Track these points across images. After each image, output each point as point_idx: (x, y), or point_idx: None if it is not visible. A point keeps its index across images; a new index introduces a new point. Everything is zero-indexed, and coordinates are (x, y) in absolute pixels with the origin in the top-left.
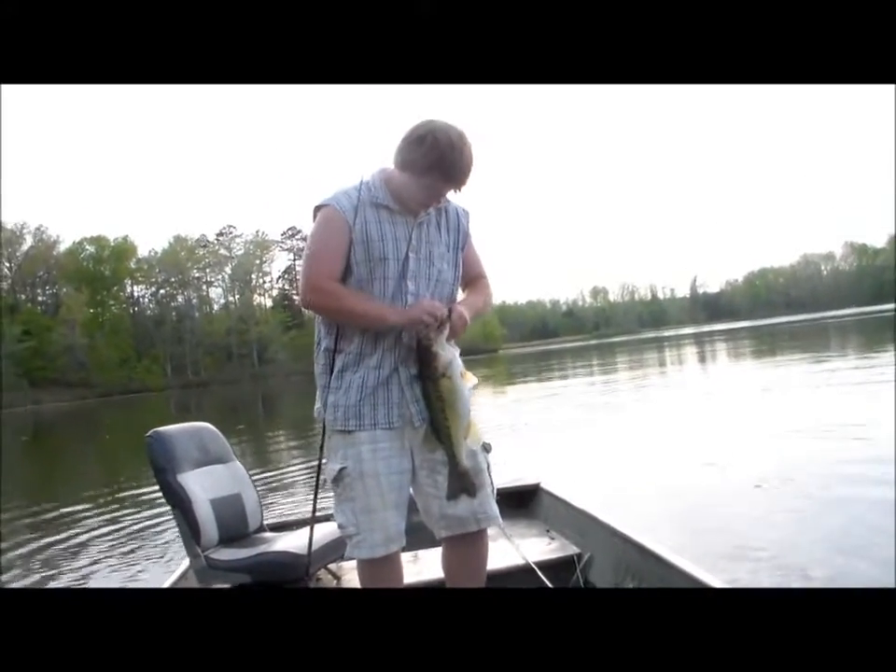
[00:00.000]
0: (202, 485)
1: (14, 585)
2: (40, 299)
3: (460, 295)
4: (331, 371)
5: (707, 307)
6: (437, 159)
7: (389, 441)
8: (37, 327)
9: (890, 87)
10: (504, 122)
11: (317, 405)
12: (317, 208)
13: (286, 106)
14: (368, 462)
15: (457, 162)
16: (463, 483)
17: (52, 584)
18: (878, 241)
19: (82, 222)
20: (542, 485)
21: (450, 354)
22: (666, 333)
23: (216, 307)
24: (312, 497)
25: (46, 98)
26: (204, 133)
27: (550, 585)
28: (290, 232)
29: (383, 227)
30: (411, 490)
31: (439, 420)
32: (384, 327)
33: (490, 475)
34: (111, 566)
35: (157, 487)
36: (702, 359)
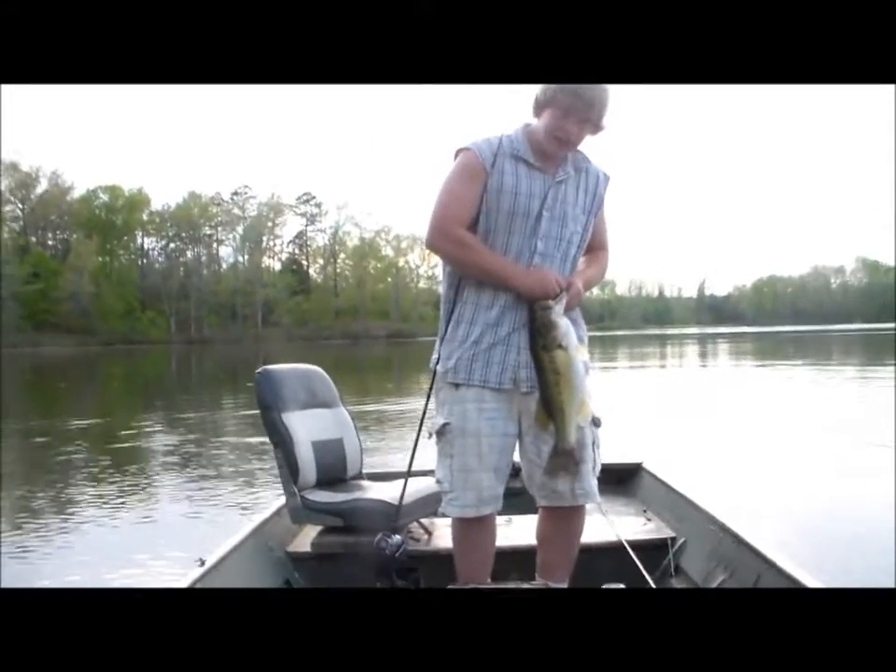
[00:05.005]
0: (305, 426)
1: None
2: (50, 243)
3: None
4: (448, 322)
5: (713, 310)
6: (567, 88)
7: (496, 402)
8: (45, 270)
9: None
10: None
11: (434, 356)
12: (458, 151)
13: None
14: (472, 421)
15: (586, 90)
16: (565, 462)
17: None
18: (891, 259)
19: (98, 170)
20: (644, 465)
21: (566, 324)
22: (670, 332)
23: (224, 266)
24: None
25: None
26: (228, 91)
27: (640, 565)
28: (305, 198)
29: (519, 180)
30: (517, 455)
31: (551, 393)
32: (503, 287)
33: (596, 451)
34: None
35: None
36: (724, 359)
